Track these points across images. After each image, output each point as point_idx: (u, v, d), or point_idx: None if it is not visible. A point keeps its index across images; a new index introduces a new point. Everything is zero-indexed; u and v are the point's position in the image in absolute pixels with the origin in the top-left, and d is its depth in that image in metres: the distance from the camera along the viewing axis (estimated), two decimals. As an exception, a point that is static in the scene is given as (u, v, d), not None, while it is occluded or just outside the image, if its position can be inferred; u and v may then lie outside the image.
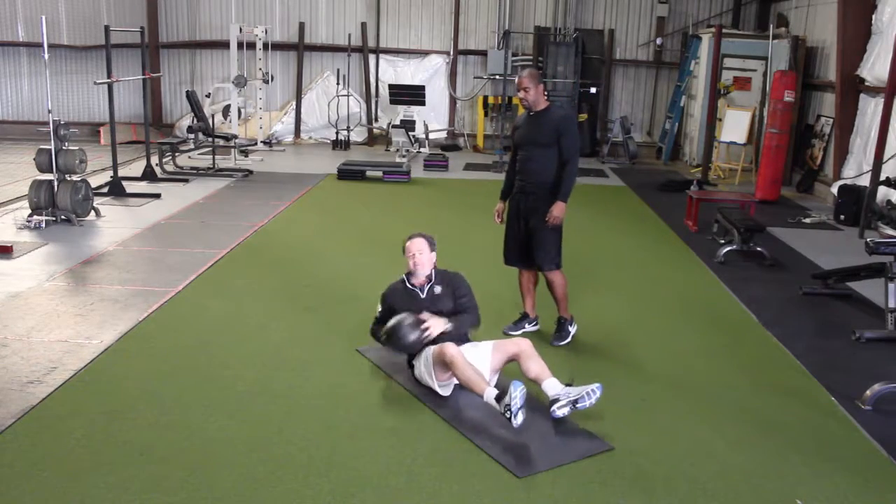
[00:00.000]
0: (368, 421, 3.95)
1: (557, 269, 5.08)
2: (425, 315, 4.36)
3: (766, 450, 3.80)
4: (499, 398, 3.77)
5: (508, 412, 3.68)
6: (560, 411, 3.85)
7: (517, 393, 3.67)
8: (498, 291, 6.07)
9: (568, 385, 3.97)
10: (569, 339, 5.12)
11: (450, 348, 4.08)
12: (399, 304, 4.51)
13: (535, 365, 4.07)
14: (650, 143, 15.10)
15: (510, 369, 4.29)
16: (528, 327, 5.30)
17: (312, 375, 4.47)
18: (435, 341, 4.27)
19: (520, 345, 4.18)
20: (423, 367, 4.27)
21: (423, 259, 4.48)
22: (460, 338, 4.40)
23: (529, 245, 5.07)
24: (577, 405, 3.84)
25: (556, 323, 5.19)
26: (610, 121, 14.76)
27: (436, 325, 4.31)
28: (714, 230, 8.20)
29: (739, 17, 14.63)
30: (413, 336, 4.25)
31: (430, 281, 4.54)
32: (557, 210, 4.88)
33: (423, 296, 4.50)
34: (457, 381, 4.17)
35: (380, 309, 4.61)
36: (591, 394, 3.86)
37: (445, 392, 4.20)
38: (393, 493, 3.31)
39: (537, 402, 4.05)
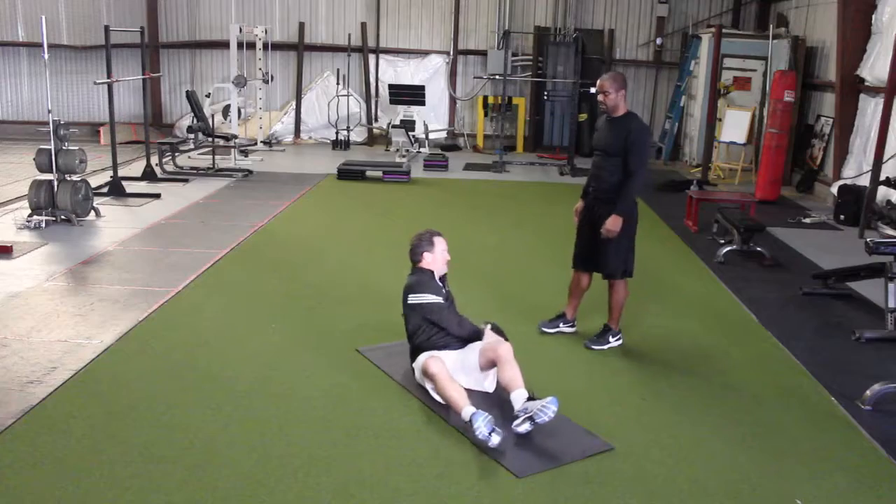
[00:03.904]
0: (368, 421, 3.94)
1: (622, 280, 5.02)
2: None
3: (765, 450, 3.81)
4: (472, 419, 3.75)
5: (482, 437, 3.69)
6: (520, 428, 3.82)
7: (479, 424, 3.67)
8: (500, 291, 6.06)
9: (530, 399, 3.93)
10: (605, 348, 5.03)
11: (433, 365, 4.08)
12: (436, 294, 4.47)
13: (508, 372, 4.06)
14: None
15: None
16: (563, 327, 5.27)
17: (312, 375, 4.47)
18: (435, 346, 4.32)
19: (497, 350, 4.17)
20: (418, 373, 4.32)
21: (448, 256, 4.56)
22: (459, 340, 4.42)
23: (594, 251, 5.02)
24: (536, 421, 3.79)
25: (602, 328, 5.14)
26: (610, 121, 14.75)
27: None
28: (714, 230, 8.20)
29: (739, 17, 14.65)
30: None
31: (444, 279, 4.58)
32: (611, 223, 4.79)
33: (444, 291, 4.54)
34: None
35: (433, 295, 4.38)
36: (544, 409, 3.77)
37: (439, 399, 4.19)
38: (393, 493, 3.31)
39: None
